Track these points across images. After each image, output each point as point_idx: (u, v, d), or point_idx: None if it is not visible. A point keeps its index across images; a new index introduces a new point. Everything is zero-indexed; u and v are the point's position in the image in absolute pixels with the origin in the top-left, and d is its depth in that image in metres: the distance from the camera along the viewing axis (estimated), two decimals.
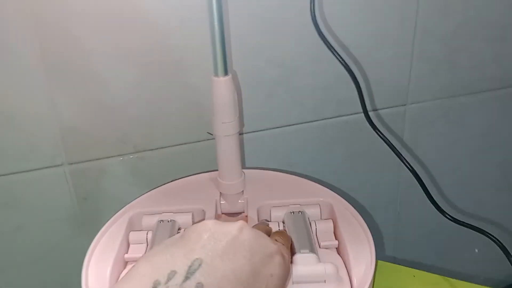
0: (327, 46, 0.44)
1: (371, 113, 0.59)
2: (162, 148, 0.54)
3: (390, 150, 0.45)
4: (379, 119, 0.60)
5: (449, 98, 0.61)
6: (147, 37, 0.48)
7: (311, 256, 0.36)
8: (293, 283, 0.35)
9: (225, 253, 0.25)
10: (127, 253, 0.42)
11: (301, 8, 0.49)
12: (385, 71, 0.57)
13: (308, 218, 0.43)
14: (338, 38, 0.53)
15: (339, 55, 0.45)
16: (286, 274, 0.29)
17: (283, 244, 0.32)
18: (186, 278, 0.24)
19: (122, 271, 0.40)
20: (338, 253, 0.42)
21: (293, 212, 0.44)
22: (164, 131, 0.53)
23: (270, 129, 0.56)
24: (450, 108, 0.62)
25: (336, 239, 0.43)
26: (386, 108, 0.59)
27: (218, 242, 0.26)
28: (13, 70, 0.46)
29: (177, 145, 0.54)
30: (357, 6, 0.52)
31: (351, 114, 0.58)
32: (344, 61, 0.45)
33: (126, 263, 0.42)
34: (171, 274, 0.24)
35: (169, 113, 0.52)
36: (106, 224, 0.43)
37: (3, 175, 0.51)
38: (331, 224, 0.44)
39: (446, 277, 0.43)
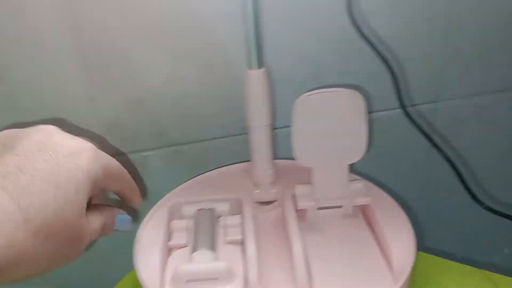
0: (367, 42, 0.44)
1: (398, 111, 0.59)
2: (196, 142, 0.56)
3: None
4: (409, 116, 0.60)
5: (481, 95, 0.61)
6: (182, 33, 0.49)
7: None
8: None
9: (18, 150, 0.25)
10: (169, 241, 0.43)
11: (334, 7, 0.50)
12: (416, 68, 0.57)
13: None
14: (371, 35, 0.53)
15: (377, 50, 0.45)
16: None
17: None
18: None
19: (168, 258, 0.42)
20: (376, 240, 0.43)
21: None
22: (198, 125, 0.55)
23: None
24: (483, 106, 0.61)
25: (373, 228, 0.44)
26: (416, 105, 0.59)
27: (16, 144, 0.26)
28: (54, 68, 0.48)
29: (210, 139, 0.56)
30: (388, 2, 0.53)
31: (381, 111, 0.58)
32: (383, 56, 0.45)
33: (170, 250, 0.43)
34: None
35: (203, 107, 0.54)
36: (149, 214, 0.45)
37: None
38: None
39: (482, 269, 0.42)
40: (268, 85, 0.43)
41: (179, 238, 0.43)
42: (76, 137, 0.29)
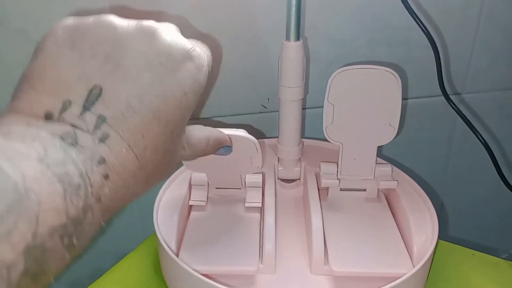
0: (417, 22, 0.43)
1: (421, 100, 0.58)
2: (217, 116, 0.55)
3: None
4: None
5: (505, 90, 0.61)
6: (209, 5, 0.49)
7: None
8: None
9: (128, 74, 0.21)
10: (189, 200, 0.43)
11: None
12: (444, 58, 0.57)
13: None
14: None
15: (427, 31, 0.44)
16: (201, 87, 0.24)
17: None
18: (85, 109, 0.20)
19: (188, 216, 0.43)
20: (398, 225, 0.42)
21: None
22: (220, 100, 0.54)
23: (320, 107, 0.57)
24: (506, 101, 0.61)
25: (396, 213, 0.44)
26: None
27: (121, 57, 0.21)
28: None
29: (231, 115, 0.55)
30: None
31: (413, 98, 0.58)
32: (433, 38, 0.44)
33: (190, 207, 0.44)
34: (66, 104, 0.20)
35: (226, 83, 0.53)
36: (168, 180, 0.44)
37: None
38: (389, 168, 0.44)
39: (507, 260, 0.42)
40: (304, 58, 0.43)
41: (198, 196, 0.43)
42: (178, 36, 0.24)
